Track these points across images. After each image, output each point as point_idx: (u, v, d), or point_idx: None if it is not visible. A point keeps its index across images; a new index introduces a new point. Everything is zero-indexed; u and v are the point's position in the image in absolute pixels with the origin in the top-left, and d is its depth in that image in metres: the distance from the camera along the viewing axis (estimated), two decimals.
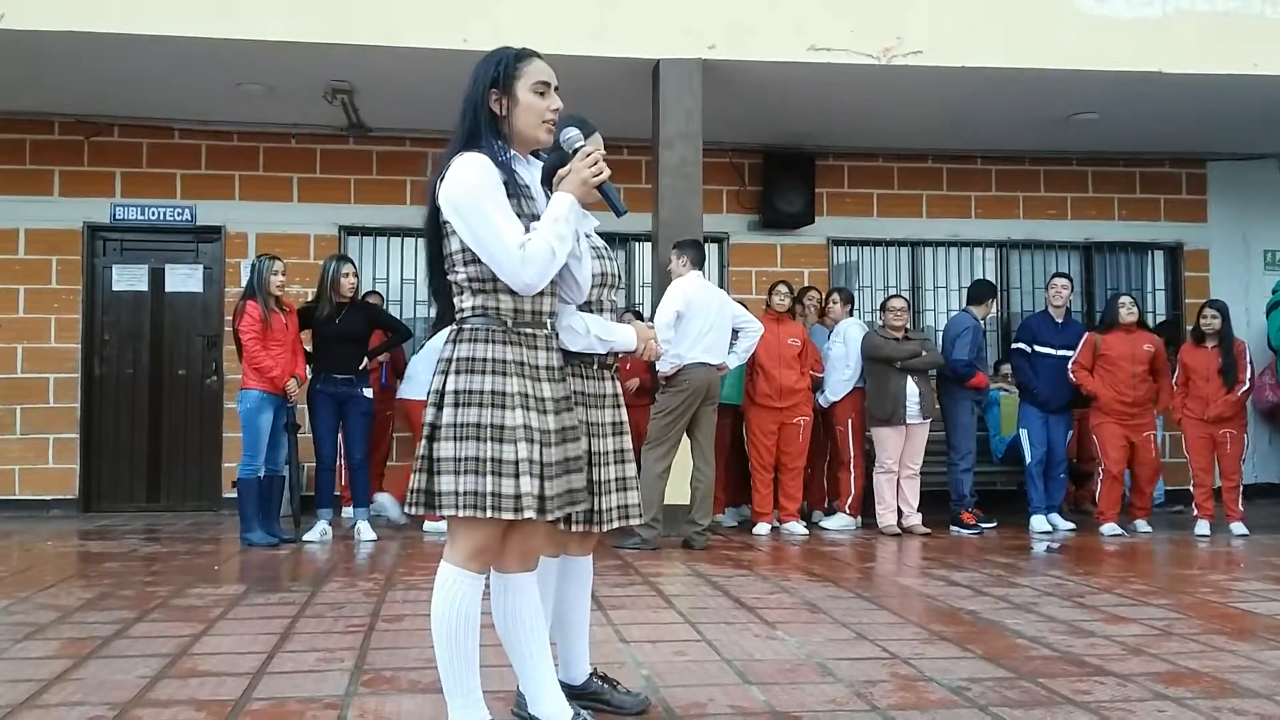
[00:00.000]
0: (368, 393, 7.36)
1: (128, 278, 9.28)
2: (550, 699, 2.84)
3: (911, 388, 7.77)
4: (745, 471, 8.14)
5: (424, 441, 2.68)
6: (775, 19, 7.62)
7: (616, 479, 3.07)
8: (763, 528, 7.74)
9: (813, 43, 7.64)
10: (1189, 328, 8.66)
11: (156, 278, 9.31)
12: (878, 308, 9.12)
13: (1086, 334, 8.07)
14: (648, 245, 8.95)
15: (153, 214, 9.24)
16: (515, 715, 3.08)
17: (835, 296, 8.49)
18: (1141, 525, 7.81)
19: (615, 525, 3.06)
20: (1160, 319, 10.15)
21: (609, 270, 3.16)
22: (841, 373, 8.07)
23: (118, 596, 5.14)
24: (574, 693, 3.13)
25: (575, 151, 2.85)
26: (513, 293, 2.69)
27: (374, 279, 9.40)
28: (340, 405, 7.24)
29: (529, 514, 2.61)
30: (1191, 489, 7.89)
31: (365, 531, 7.24)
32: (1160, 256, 10.63)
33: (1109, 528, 7.74)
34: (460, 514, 2.61)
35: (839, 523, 8.02)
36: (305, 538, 7.13)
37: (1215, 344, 7.67)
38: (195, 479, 9.25)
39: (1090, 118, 8.98)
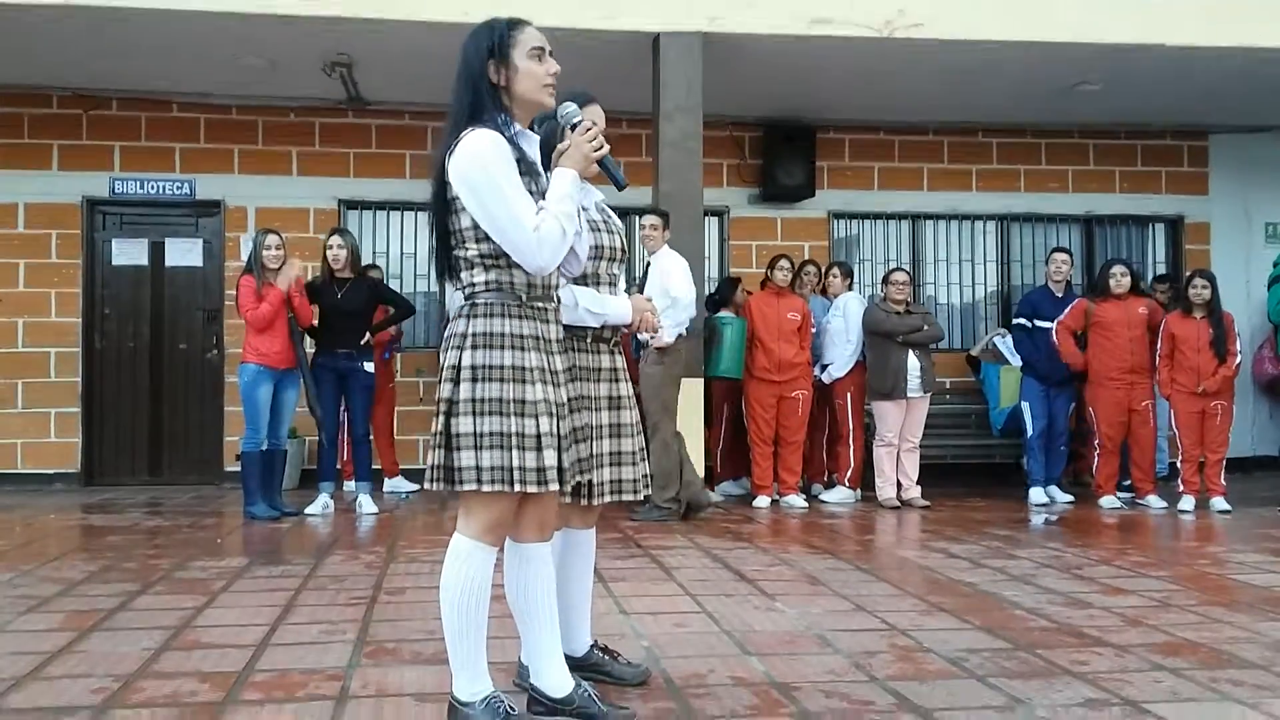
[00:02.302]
0: (369, 367, 7.38)
1: (127, 252, 9.27)
2: (555, 671, 2.86)
3: (913, 361, 7.78)
4: (746, 444, 8.16)
5: (441, 417, 2.66)
6: None
7: (611, 453, 3.07)
8: (762, 500, 7.77)
9: (814, 15, 7.59)
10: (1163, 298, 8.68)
11: (156, 252, 9.29)
12: (878, 281, 9.12)
13: (1079, 299, 8.05)
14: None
15: (152, 188, 9.22)
16: (516, 685, 3.11)
17: (835, 270, 8.48)
18: (1154, 500, 7.75)
19: (608, 500, 3.06)
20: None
21: (606, 243, 3.14)
22: (843, 348, 8.07)
23: (120, 570, 5.16)
24: (575, 664, 3.15)
25: (573, 126, 2.84)
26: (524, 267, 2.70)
27: (374, 252, 9.39)
28: (342, 379, 7.26)
29: (553, 486, 2.64)
30: (1179, 464, 7.87)
31: (366, 505, 7.27)
32: (1161, 229, 10.60)
33: (1108, 500, 7.76)
34: (484, 489, 2.60)
35: (838, 496, 8.04)
36: (307, 511, 7.15)
37: (1204, 315, 7.59)
38: (197, 453, 9.27)
39: (1092, 90, 8.94)
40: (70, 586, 4.74)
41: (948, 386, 9.64)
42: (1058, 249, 8.46)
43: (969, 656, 3.51)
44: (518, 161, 2.67)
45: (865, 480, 8.12)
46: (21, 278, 9.05)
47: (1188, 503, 7.59)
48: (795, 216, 9.97)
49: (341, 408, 7.37)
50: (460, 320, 2.71)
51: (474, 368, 2.65)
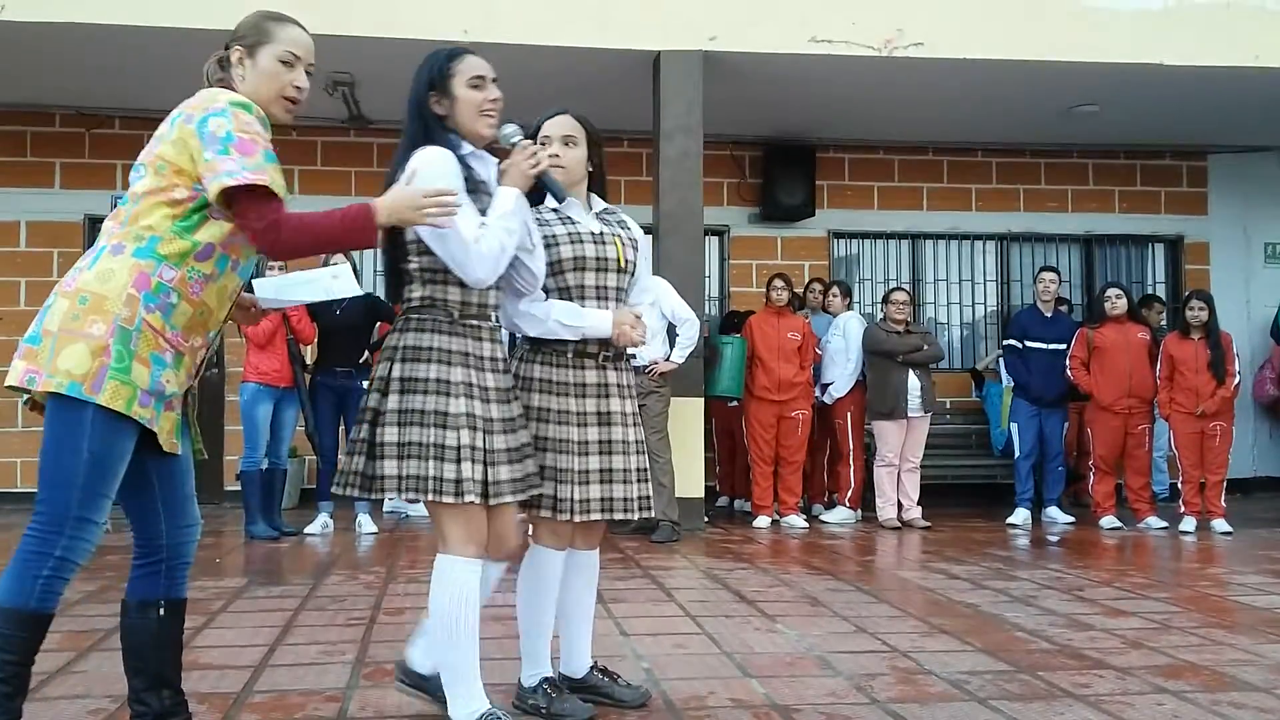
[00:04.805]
0: (367, 385, 7.37)
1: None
2: (460, 696, 2.78)
3: (913, 381, 7.77)
4: (746, 464, 8.17)
5: (366, 426, 2.77)
6: (776, 11, 7.60)
7: (602, 470, 3.02)
8: (762, 521, 7.75)
9: (814, 34, 7.62)
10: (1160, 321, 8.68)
11: None
12: (878, 300, 9.13)
13: (1079, 329, 8.05)
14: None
15: None
16: (515, 708, 3.09)
17: (835, 290, 8.48)
18: (1154, 521, 7.70)
19: (595, 518, 3.00)
20: (1161, 316, 10.12)
21: (592, 254, 3.05)
22: (843, 367, 8.07)
23: (119, 590, 5.08)
24: (574, 685, 3.15)
25: (514, 146, 2.91)
26: (461, 285, 2.78)
27: (375, 270, 9.39)
28: (340, 398, 7.25)
29: (470, 498, 2.68)
30: (1179, 485, 7.85)
31: (366, 524, 7.26)
32: (1161, 249, 10.61)
33: (1108, 520, 7.75)
34: (401, 496, 2.71)
35: (839, 516, 8.03)
36: (306, 531, 7.14)
37: (1202, 336, 7.59)
38: (196, 471, 9.21)
39: (1091, 110, 8.96)
40: (67, 607, 4.70)
41: (948, 406, 9.63)
42: (1045, 268, 8.47)
43: (970, 679, 3.50)
44: (466, 180, 2.76)
45: (866, 501, 8.11)
46: (23, 296, 9.05)
47: (1189, 524, 7.57)
48: (795, 236, 9.99)
49: (340, 426, 7.36)
50: (393, 334, 2.83)
51: (401, 380, 2.75)
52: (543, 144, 3.03)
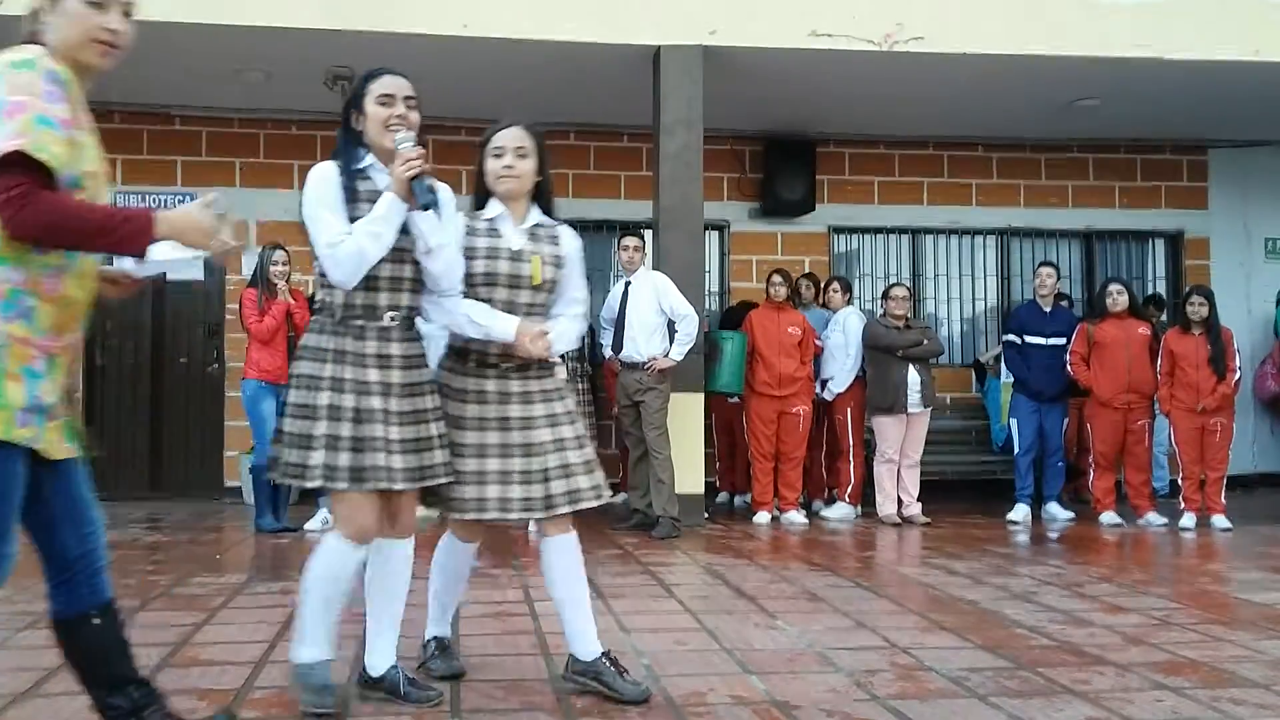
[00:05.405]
0: None
1: (128, 266, 9.25)
2: (375, 651, 3.25)
3: (913, 376, 7.77)
4: (747, 460, 8.18)
5: (280, 417, 3.10)
6: (776, 5, 7.60)
7: (501, 471, 3.19)
8: (762, 517, 7.75)
9: (814, 29, 7.61)
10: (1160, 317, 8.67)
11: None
12: (878, 296, 9.13)
13: (1080, 324, 8.05)
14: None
15: (154, 201, 9.21)
16: (420, 668, 3.46)
17: (835, 285, 8.47)
18: (1154, 518, 7.70)
19: (491, 517, 3.21)
20: (1162, 305, 10.11)
21: (505, 270, 3.23)
22: (842, 362, 8.07)
23: (119, 585, 5.07)
24: (580, 669, 3.25)
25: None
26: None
27: None
28: None
29: (340, 485, 2.95)
30: (1180, 481, 7.86)
31: None
32: (1161, 244, 10.61)
33: (1108, 516, 7.74)
34: (282, 481, 3.04)
35: (839, 512, 8.03)
36: (306, 527, 7.13)
37: (1202, 332, 7.58)
38: (197, 468, 9.25)
39: (1091, 104, 8.96)
40: None
41: (948, 402, 9.64)
42: (1044, 263, 8.44)
43: (970, 675, 3.50)
44: (356, 190, 3.01)
45: (866, 496, 8.10)
46: None
47: (1189, 520, 7.57)
48: (795, 231, 9.98)
49: None
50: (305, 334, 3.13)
51: (295, 375, 3.07)
52: (496, 155, 3.26)
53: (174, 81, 8.45)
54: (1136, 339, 7.76)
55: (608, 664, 3.24)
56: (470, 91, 8.45)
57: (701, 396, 7.56)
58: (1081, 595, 4.95)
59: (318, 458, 2.94)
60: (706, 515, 7.65)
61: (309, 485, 3.00)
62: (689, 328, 7.02)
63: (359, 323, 3.03)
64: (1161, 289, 10.46)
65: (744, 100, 8.71)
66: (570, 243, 3.40)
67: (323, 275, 3.03)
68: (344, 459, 2.94)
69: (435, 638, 3.53)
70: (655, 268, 7.49)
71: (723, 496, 8.93)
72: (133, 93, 8.75)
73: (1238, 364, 7.61)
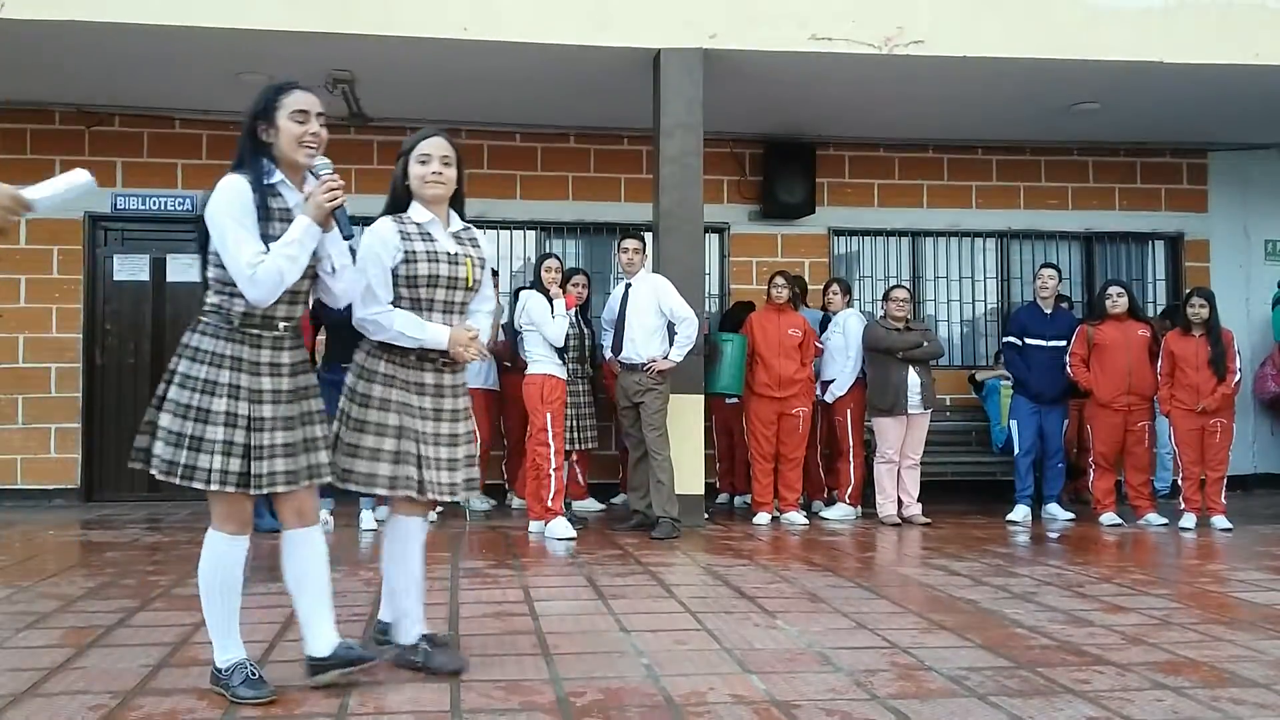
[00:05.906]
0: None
1: (129, 268, 9.28)
2: (317, 635, 3.31)
3: (913, 378, 7.77)
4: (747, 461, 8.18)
5: (153, 410, 3.13)
6: (776, 8, 7.60)
7: (437, 459, 3.46)
8: (762, 517, 7.76)
9: (814, 32, 7.62)
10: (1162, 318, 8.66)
11: (158, 268, 9.29)
12: (878, 298, 9.13)
13: (1079, 326, 8.05)
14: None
15: (154, 204, 9.24)
16: (376, 640, 3.70)
17: (835, 287, 8.47)
18: (1154, 518, 7.70)
19: (406, 493, 3.41)
20: (1160, 309, 10.11)
21: (445, 273, 3.49)
22: (842, 364, 8.07)
23: (119, 586, 5.15)
24: (401, 654, 3.54)
25: (318, 178, 3.20)
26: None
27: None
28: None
29: (228, 488, 3.07)
30: (1180, 481, 7.86)
31: (367, 520, 7.26)
32: (1161, 247, 10.61)
33: (1108, 517, 7.75)
34: (159, 477, 3.09)
35: (839, 513, 8.03)
36: None
37: (1203, 333, 7.59)
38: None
39: (1091, 107, 8.96)
40: (69, 603, 4.73)
41: (948, 403, 9.64)
42: (1045, 265, 8.45)
43: (970, 675, 3.51)
44: (269, 208, 3.10)
45: (866, 497, 8.11)
46: (23, 293, 9.06)
47: (1189, 520, 7.57)
48: (795, 233, 9.98)
49: None
50: (187, 333, 3.17)
51: (182, 375, 3.11)
52: (422, 162, 3.48)
53: (174, 85, 8.46)
54: (1136, 341, 7.76)
55: (425, 644, 3.52)
56: (471, 95, 8.46)
57: (701, 398, 7.56)
58: (1081, 595, 4.95)
59: (210, 461, 3.05)
60: (706, 516, 7.65)
61: (195, 486, 3.06)
62: (689, 330, 7.03)
63: (255, 331, 3.16)
64: (1162, 291, 10.47)
65: (744, 103, 8.71)
66: (485, 244, 3.71)
67: (222, 283, 3.12)
68: (235, 464, 3.08)
69: (425, 636, 3.58)
70: (655, 270, 7.49)
71: (723, 497, 8.94)
72: (133, 96, 8.76)
73: (1238, 365, 7.62)
